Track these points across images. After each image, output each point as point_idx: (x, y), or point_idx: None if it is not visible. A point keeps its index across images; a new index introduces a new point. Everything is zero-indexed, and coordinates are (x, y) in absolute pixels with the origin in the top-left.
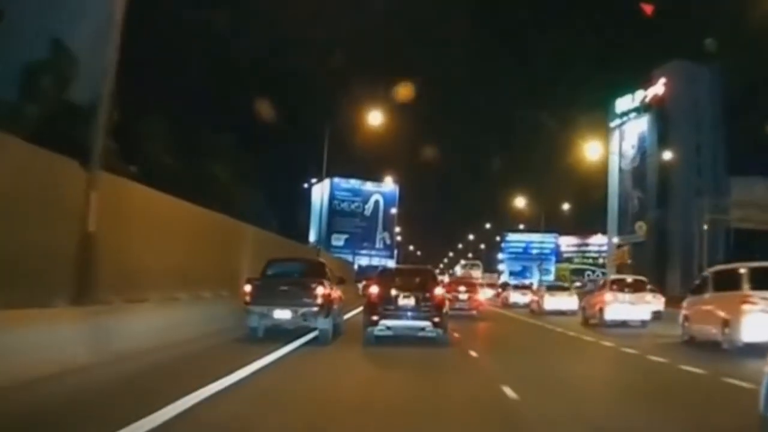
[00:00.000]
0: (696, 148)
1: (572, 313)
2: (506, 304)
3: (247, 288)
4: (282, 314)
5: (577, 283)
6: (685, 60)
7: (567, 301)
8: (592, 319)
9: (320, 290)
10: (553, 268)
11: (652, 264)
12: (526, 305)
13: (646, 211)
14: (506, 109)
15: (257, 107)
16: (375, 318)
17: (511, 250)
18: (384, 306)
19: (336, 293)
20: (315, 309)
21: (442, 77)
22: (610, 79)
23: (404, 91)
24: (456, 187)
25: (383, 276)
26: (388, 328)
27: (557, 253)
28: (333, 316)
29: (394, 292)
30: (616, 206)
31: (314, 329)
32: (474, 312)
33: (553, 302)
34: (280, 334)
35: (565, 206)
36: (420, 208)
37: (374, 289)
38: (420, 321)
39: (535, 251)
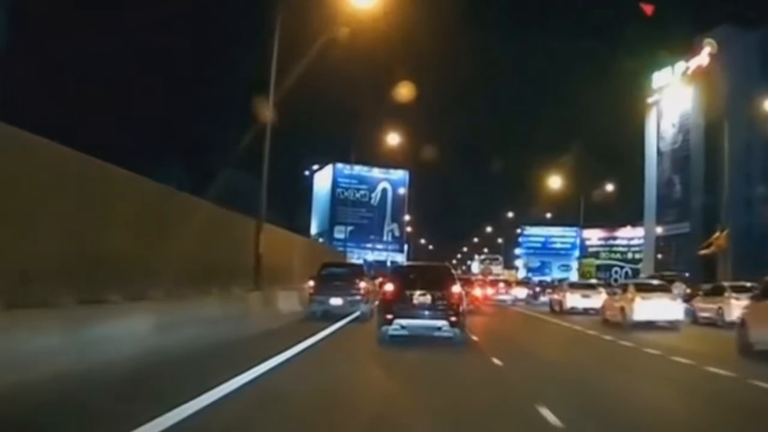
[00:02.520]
0: (747, 126)
1: (671, 325)
2: (557, 310)
3: (311, 283)
4: (335, 301)
5: (592, 280)
6: (732, 25)
7: (667, 308)
8: (758, 345)
9: (362, 284)
10: (574, 264)
11: (699, 258)
12: (587, 311)
13: (690, 199)
14: (528, 88)
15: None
16: (389, 317)
17: (529, 244)
18: (399, 304)
19: (371, 286)
20: (358, 298)
21: (451, 57)
22: (646, 50)
23: (407, 84)
24: (472, 175)
25: (398, 273)
26: (403, 327)
27: (582, 247)
28: (370, 303)
29: (409, 289)
30: (654, 193)
31: (356, 312)
32: (471, 307)
33: (648, 309)
34: (331, 317)
35: (609, 187)
36: (432, 197)
37: (389, 287)
38: (436, 320)
39: (557, 245)
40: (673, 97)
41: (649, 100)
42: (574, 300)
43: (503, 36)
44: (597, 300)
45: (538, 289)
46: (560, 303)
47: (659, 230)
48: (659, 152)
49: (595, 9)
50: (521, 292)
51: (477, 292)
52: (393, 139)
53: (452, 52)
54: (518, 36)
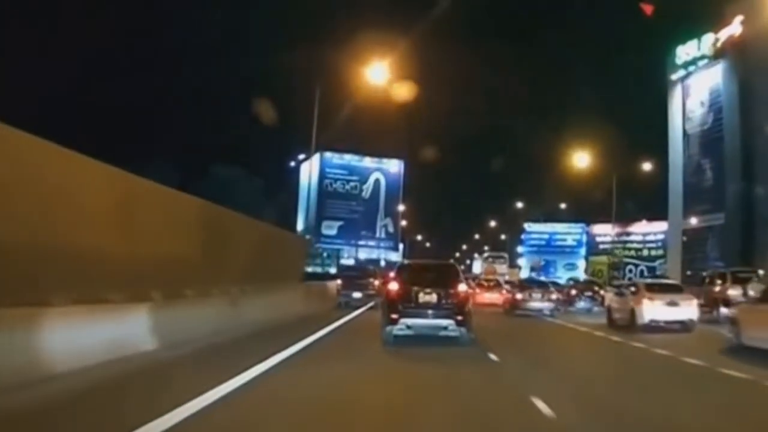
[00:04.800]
0: None
1: None
2: (620, 323)
3: (339, 281)
4: (357, 295)
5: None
6: None
7: None
8: None
9: (375, 282)
10: (580, 263)
11: (737, 252)
12: (668, 324)
13: (725, 186)
14: (533, 67)
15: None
16: (394, 316)
17: (532, 242)
18: (404, 303)
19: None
20: (372, 292)
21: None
22: (666, 23)
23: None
24: (473, 169)
25: (402, 271)
26: (409, 327)
27: (590, 244)
28: (380, 297)
29: (414, 288)
30: (681, 181)
31: (371, 303)
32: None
33: None
34: (352, 307)
35: (647, 166)
36: (429, 192)
37: (393, 286)
38: (442, 319)
39: (562, 243)
40: (702, 72)
41: (673, 76)
42: (655, 309)
43: (510, 21)
44: (688, 309)
45: (573, 292)
46: (631, 314)
47: (694, 221)
48: (685, 135)
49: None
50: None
51: (490, 296)
52: (377, 73)
53: (455, 41)
54: (526, 19)
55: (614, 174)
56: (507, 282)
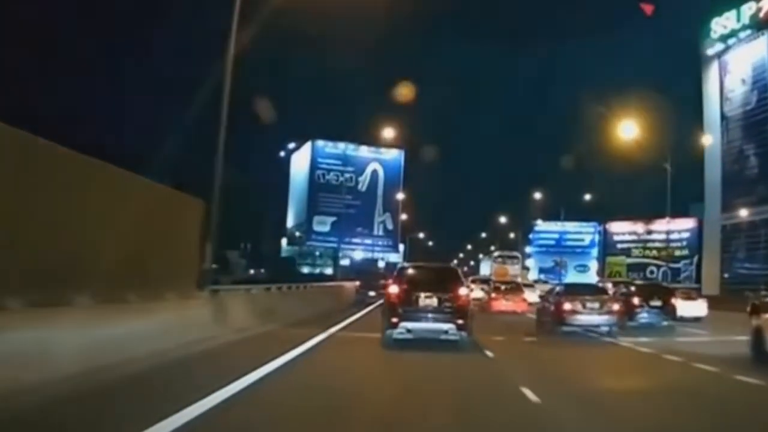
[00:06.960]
0: None
1: None
2: None
3: (357, 283)
4: (372, 293)
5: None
6: None
7: None
8: None
9: (383, 282)
10: (592, 264)
11: None
12: None
13: None
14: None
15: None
16: (395, 320)
17: (541, 242)
18: (404, 307)
19: None
20: (383, 291)
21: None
22: None
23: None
24: (478, 158)
25: (403, 274)
26: (409, 330)
27: (605, 244)
28: None
29: (415, 292)
30: (719, 170)
31: (381, 300)
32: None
33: None
34: (367, 304)
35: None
36: (430, 183)
37: (394, 289)
38: (443, 323)
39: (573, 243)
40: (743, 46)
41: (709, 51)
42: None
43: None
44: None
45: (636, 301)
46: None
47: (744, 213)
48: (724, 117)
49: None
50: (614, 306)
51: (507, 302)
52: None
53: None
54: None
55: (668, 152)
56: (525, 285)
